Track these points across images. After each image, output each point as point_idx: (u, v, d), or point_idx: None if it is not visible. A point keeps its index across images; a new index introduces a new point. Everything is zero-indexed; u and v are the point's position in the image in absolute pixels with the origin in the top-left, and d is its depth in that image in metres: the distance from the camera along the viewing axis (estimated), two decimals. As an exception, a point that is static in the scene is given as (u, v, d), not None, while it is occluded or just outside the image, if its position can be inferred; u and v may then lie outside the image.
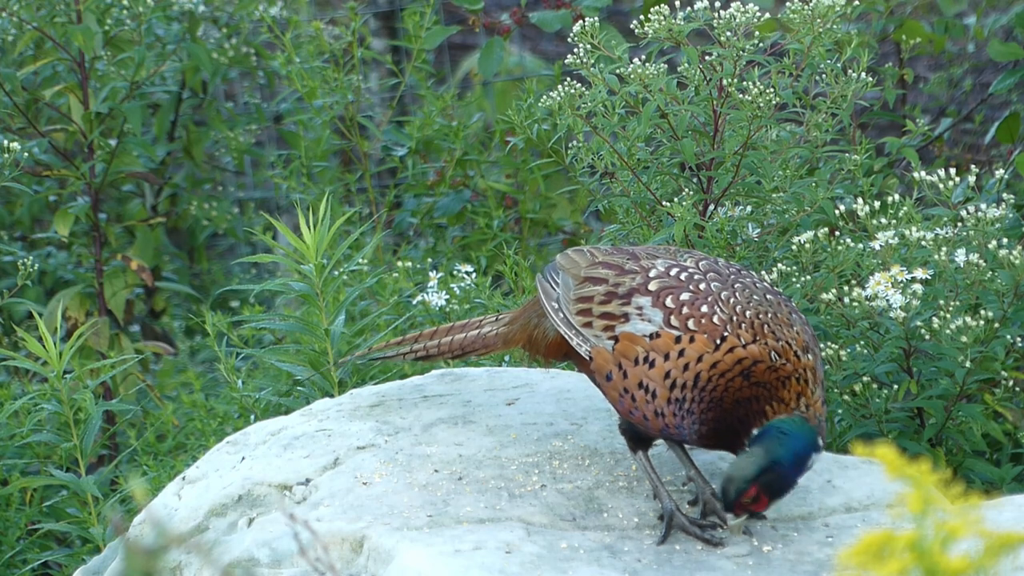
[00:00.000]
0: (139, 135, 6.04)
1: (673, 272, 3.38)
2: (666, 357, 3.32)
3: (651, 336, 3.34)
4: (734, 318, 3.30)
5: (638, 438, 3.46)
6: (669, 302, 3.34)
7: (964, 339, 3.91)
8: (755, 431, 3.27)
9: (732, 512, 3.25)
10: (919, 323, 3.97)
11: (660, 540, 3.33)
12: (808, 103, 4.27)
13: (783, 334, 3.29)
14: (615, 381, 3.36)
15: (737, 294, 3.32)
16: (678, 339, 3.32)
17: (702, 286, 3.34)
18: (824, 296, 4.01)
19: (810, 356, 3.28)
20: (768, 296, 3.33)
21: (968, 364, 3.94)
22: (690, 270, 3.38)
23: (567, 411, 3.81)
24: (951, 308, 3.95)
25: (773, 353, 3.27)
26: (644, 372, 3.34)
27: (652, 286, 3.37)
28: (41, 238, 6.90)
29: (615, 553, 3.28)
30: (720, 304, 3.31)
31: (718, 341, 3.29)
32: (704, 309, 3.32)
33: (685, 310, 3.33)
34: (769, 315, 3.30)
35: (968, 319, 3.91)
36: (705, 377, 3.29)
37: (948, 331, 3.92)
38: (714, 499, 3.39)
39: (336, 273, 4.39)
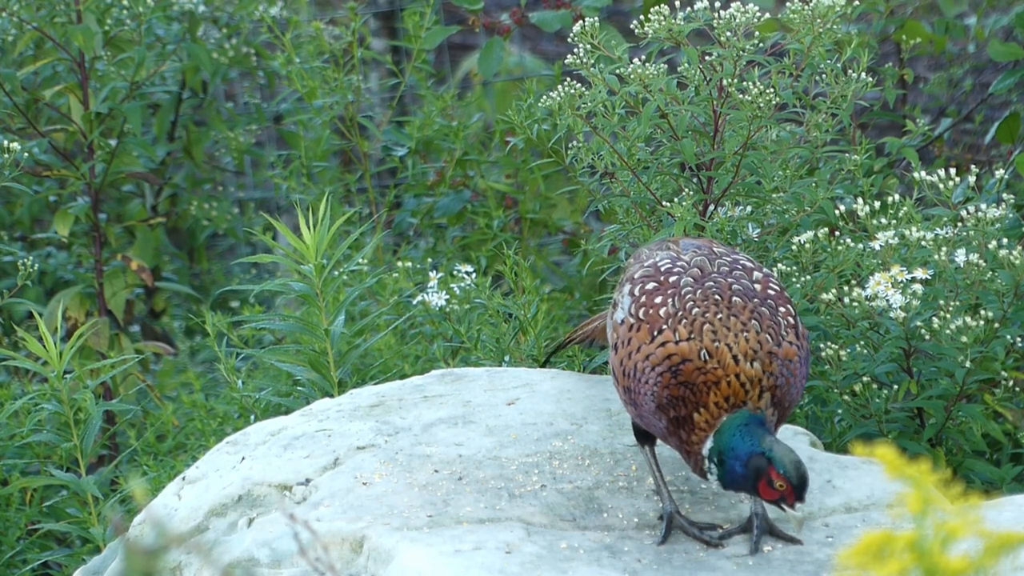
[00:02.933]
0: (139, 135, 6.04)
1: (663, 264, 3.38)
2: (621, 344, 3.32)
3: (620, 323, 3.34)
4: (679, 313, 3.26)
5: (638, 431, 3.47)
6: (638, 291, 3.35)
7: (964, 339, 3.91)
8: (704, 444, 3.23)
9: (803, 500, 3.20)
10: (919, 323, 3.97)
11: (660, 540, 3.33)
12: (808, 103, 4.27)
13: (724, 337, 3.24)
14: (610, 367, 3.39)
15: (699, 291, 3.29)
16: (630, 328, 3.32)
17: (671, 279, 3.33)
18: (824, 296, 4.01)
19: (755, 365, 3.23)
20: (736, 299, 3.28)
21: (968, 364, 3.94)
22: (678, 263, 3.37)
23: (567, 411, 3.81)
24: (951, 308, 3.95)
25: (704, 352, 3.23)
26: (612, 359, 3.36)
27: (636, 274, 3.38)
28: (41, 238, 6.90)
29: (615, 553, 3.28)
30: (675, 298, 3.29)
31: (655, 333, 3.27)
32: (657, 300, 3.30)
33: (643, 299, 3.32)
34: (719, 316, 3.26)
35: (968, 319, 3.91)
36: (640, 368, 3.27)
37: (948, 331, 3.92)
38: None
39: (336, 273, 4.39)
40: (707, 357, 3.22)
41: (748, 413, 3.21)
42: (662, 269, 3.37)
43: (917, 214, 4.20)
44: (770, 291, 3.34)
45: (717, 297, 3.28)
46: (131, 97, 5.97)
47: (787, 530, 3.37)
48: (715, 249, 3.44)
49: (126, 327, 6.12)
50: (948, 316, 3.93)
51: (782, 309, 3.32)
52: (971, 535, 2.19)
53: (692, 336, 3.24)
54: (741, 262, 3.39)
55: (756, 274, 3.37)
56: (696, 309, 3.27)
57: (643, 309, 3.31)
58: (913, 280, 3.95)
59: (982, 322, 3.92)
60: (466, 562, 3.19)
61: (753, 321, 3.26)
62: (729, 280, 3.32)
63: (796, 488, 3.16)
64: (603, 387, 3.91)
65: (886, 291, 3.93)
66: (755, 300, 3.29)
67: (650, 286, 3.34)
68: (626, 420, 3.78)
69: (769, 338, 3.25)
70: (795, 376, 3.28)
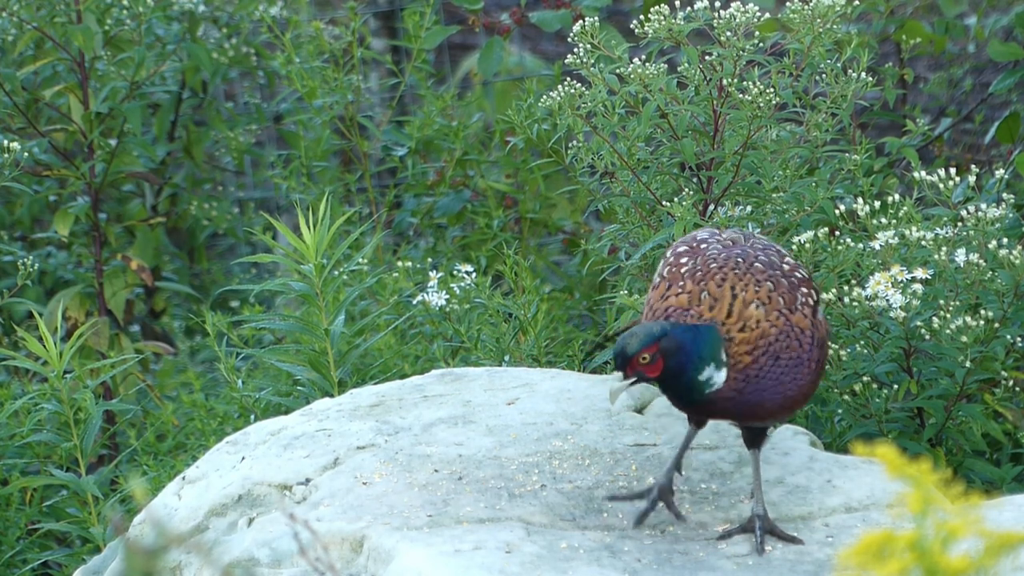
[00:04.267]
0: (139, 135, 6.03)
1: (700, 235, 3.48)
2: (646, 305, 3.44)
3: (654, 287, 3.45)
4: (697, 272, 3.34)
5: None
6: (671, 255, 3.46)
7: (964, 339, 3.91)
8: None
9: (624, 371, 3.25)
10: (919, 323, 3.97)
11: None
12: (808, 103, 4.27)
13: (734, 283, 3.30)
14: None
15: (723, 255, 3.36)
16: (655, 287, 3.42)
17: (702, 246, 3.42)
18: (824, 296, 4.01)
19: (758, 309, 3.28)
20: (757, 264, 3.33)
21: (968, 364, 3.94)
22: (716, 236, 3.45)
23: (567, 411, 3.81)
24: (951, 308, 3.94)
25: (705, 293, 3.31)
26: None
27: (676, 245, 3.49)
28: (41, 238, 6.89)
29: (615, 553, 3.28)
30: (698, 258, 3.37)
31: (667, 288, 3.36)
32: (683, 261, 3.39)
33: (672, 260, 3.43)
34: (735, 271, 3.32)
35: (968, 319, 3.91)
36: (650, 318, 3.35)
37: (948, 331, 3.92)
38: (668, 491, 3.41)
39: (336, 273, 4.39)
40: (707, 297, 3.30)
41: (706, 327, 3.28)
42: (698, 239, 3.47)
43: (917, 214, 4.20)
44: (797, 274, 3.38)
45: (740, 260, 3.35)
46: (131, 97, 5.96)
47: (787, 530, 3.37)
48: (757, 235, 3.52)
49: (126, 327, 6.12)
50: (948, 316, 3.93)
51: (804, 290, 3.36)
52: (971, 535, 2.19)
53: (697, 284, 3.33)
54: (777, 248, 3.45)
55: (788, 259, 3.42)
56: (714, 265, 3.34)
57: (668, 268, 3.41)
58: (913, 280, 3.95)
59: (982, 322, 3.92)
60: (466, 562, 3.19)
61: (768, 283, 3.32)
62: (757, 252, 3.39)
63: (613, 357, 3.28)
64: (603, 387, 3.91)
65: (886, 291, 3.93)
66: (777, 272, 3.35)
67: (681, 249, 3.44)
68: (626, 420, 3.78)
69: (782, 300, 3.31)
70: (803, 349, 3.29)
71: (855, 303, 3.96)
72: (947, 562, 2.17)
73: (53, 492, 4.88)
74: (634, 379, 3.26)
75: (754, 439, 3.42)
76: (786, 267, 3.38)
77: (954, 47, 7.15)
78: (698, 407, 3.34)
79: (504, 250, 4.94)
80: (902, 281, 3.94)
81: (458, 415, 3.79)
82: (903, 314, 3.91)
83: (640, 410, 3.86)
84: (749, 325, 3.28)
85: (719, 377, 3.27)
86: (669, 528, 3.39)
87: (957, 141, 7.07)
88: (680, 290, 3.33)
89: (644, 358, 3.24)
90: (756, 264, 3.35)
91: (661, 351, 3.24)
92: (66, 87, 5.95)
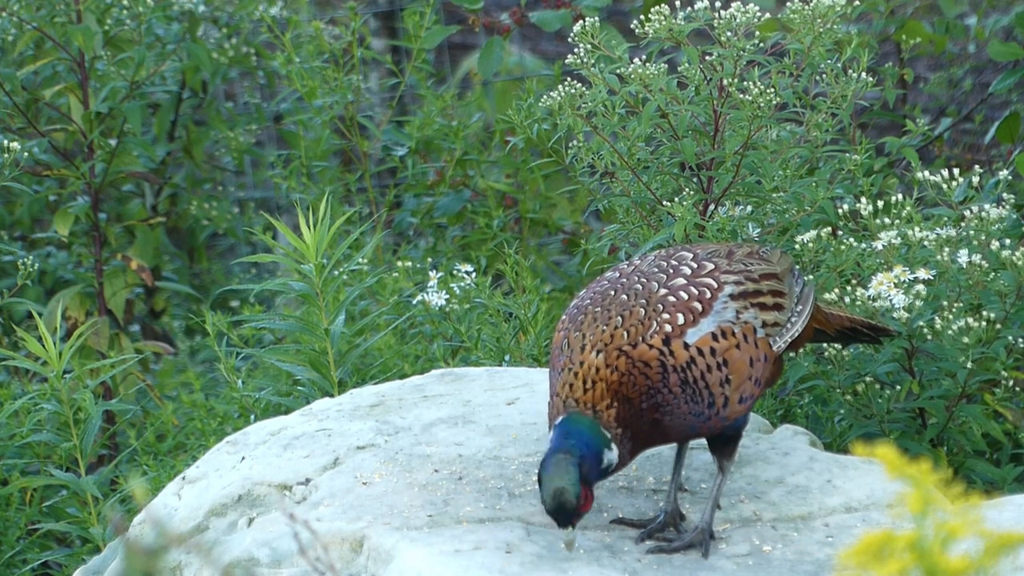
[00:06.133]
0: (139, 135, 6.03)
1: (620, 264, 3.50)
2: None
3: None
4: (574, 309, 3.37)
5: None
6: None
7: (966, 340, 3.91)
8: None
9: (572, 525, 3.19)
10: (921, 323, 3.97)
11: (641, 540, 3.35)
12: (808, 103, 4.27)
13: (584, 329, 3.30)
14: None
15: (602, 287, 3.37)
16: None
17: (606, 274, 3.44)
18: (827, 296, 4.01)
19: (598, 355, 3.26)
20: (624, 296, 3.32)
21: (970, 365, 3.93)
22: (619, 270, 3.45)
23: (567, 411, 3.80)
24: (954, 309, 3.94)
25: (565, 341, 3.31)
26: None
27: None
28: (41, 238, 6.89)
29: (615, 553, 3.28)
30: (584, 293, 3.40)
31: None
32: (582, 293, 3.43)
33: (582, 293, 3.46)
34: (597, 310, 3.31)
35: (970, 320, 3.91)
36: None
37: (951, 332, 3.92)
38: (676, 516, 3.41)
39: (336, 273, 4.39)
40: (565, 346, 3.31)
41: (570, 418, 3.25)
42: (620, 265, 3.49)
43: (918, 214, 4.20)
44: (682, 294, 3.34)
45: (612, 293, 3.35)
46: (131, 97, 5.96)
47: (788, 530, 3.37)
48: (730, 249, 3.49)
49: (126, 327, 6.12)
50: (951, 317, 3.93)
51: (681, 316, 3.31)
52: (971, 535, 2.19)
53: (560, 329, 3.35)
54: (702, 261, 3.41)
55: (704, 280, 3.37)
56: (587, 302, 3.35)
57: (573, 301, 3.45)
58: (916, 280, 3.95)
59: (984, 323, 3.92)
60: (466, 562, 3.19)
61: (618, 317, 3.31)
62: (640, 278, 3.37)
63: (549, 514, 3.18)
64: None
65: (888, 291, 3.93)
66: (642, 300, 3.32)
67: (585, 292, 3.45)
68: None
69: (626, 335, 3.29)
70: (651, 381, 3.27)
71: (858, 303, 3.96)
72: (947, 562, 2.17)
73: (53, 492, 4.88)
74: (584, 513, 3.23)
75: (725, 443, 3.41)
76: (666, 291, 3.35)
77: (954, 47, 7.15)
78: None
79: (504, 250, 4.94)
80: (905, 281, 3.94)
81: (458, 415, 3.79)
82: (906, 315, 3.91)
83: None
84: (593, 379, 3.26)
85: (614, 454, 3.26)
86: (669, 528, 3.39)
87: (957, 141, 7.07)
88: (560, 326, 3.37)
89: (583, 503, 3.21)
90: (623, 296, 3.34)
91: (589, 488, 3.21)
92: (66, 87, 5.95)
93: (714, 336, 3.33)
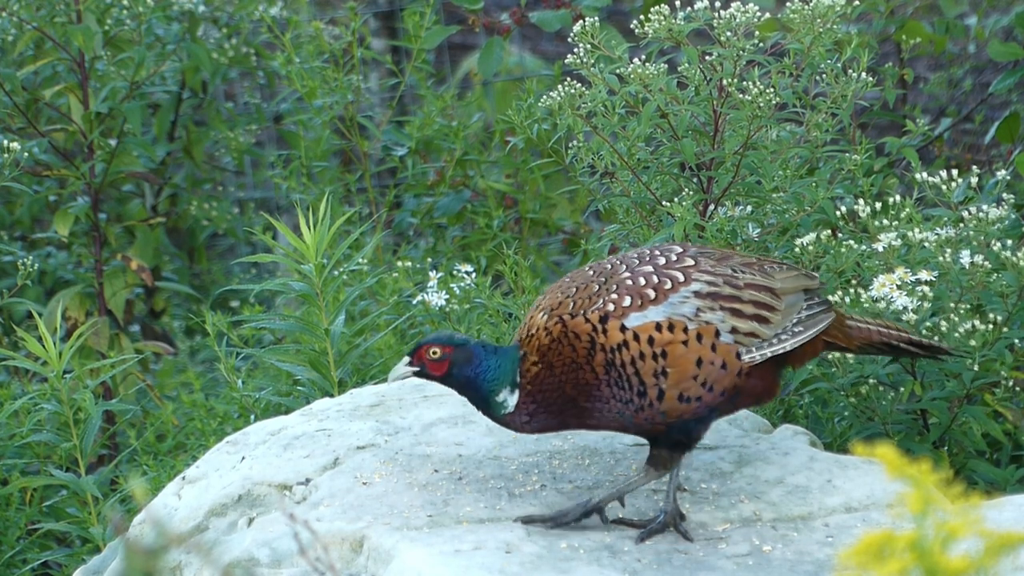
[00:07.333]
0: (139, 135, 6.04)
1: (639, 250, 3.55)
2: None
3: None
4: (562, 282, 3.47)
5: None
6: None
7: (972, 343, 3.90)
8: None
9: (412, 357, 3.38)
10: (927, 325, 3.96)
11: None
12: (808, 103, 4.27)
13: (548, 293, 3.41)
14: None
15: (584, 269, 3.45)
16: None
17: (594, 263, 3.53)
18: (829, 298, 4.00)
19: (542, 317, 3.36)
20: (591, 272, 3.40)
21: (975, 367, 3.93)
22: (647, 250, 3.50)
23: (567, 411, 3.80)
24: (960, 311, 3.94)
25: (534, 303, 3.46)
26: None
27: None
28: (41, 238, 6.90)
29: (615, 553, 3.28)
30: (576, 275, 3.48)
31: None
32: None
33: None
34: (564, 282, 3.41)
35: (977, 323, 3.91)
36: None
37: (957, 334, 3.91)
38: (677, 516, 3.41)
39: (336, 273, 4.39)
40: (532, 306, 3.45)
41: (509, 347, 3.39)
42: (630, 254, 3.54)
43: (918, 215, 4.19)
44: (641, 279, 3.36)
45: (590, 272, 3.42)
46: (131, 97, 5.96)
47: (788, 530, 3.37)
48: (731, 255, 3.47)
49: (126, 327, 6.12)
50: (957, 319, 3.92)
51: (629, 299, 3.33)
52: (971, 535, 2.19)
53: (542, 292, 3.48)
54: (687, 256, 3.41)
55: (671, 272, 3.38)
56: (568, 277, 3.44)
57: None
58: (919, 282, 3.94)
59: (991, 325, 3.92)
60: (466, 562, 3.19)
61: (573, 288, 3.38)
62: (619, 261, 3.41)
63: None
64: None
65: (891, 292, 3.93)
66: (602, 278, 3.37)
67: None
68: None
69: (572, 304, 3.35)
70: (577, 354, 3.31)
71: (862, 304, 3.96)
72: (947, 562, 2.17)
73: (53, 492, 4.88)
74: (418, 369, 3.38)
75: (667, 447, 3.40)
76: (629, 274, 3.38)
77: (954, 47, 7.15)
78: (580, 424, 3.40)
79: (504, 250, 4.94)
80: (907, 283, 3.93)
81: (458, 415, 3.79)
82: (915, 316, 3.90)
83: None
84: (532, 335, 3.36)
85: (512, 400, 3.35)
86: (669, 528, 3.39)
87: (957, 141, 7.07)
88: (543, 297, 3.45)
89: (434, 352, 3.37)
90: (590, 272, 3.40)
91: (452, 356, 3.36)
92: (66, 87, 5.95)
93: (659, 326, 3.32)
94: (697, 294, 3.36)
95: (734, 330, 3.36)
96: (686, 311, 3.34)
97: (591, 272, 3.41)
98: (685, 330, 3.33)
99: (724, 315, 3.36)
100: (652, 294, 3.34)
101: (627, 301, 3.33)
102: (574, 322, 3.33)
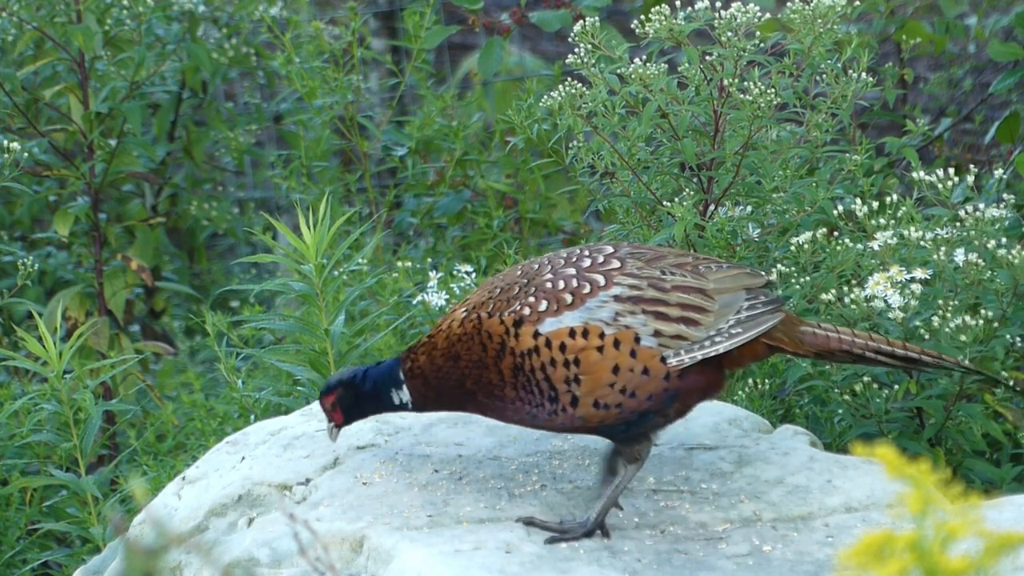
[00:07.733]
0: (139, 135, 6.04)
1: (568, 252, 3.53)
2: None
3: None
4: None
5: None
6: None
7: (963, 338, 3.91)
8: None
9: (327, 414, 3.51)
10: (918, 323, 3.97)
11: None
12: (808, 103, 4.27)
13: (478, 290, 3.41)
14: None
15: (515, 268, 3.44)
16: None
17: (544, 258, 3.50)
18: (824, 296, 4.01)
19: (462, 310, 3.37)
20: (518, 272, 3.37)
21: (967, 363, 3.93)
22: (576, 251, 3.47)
23: (567, 411, 3.80)
24: (950, 308, 3.94)
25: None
26: None
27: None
28: (41, 238, 6.90)
29: (615, 553, 3.28)
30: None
31: None
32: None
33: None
34: (494, 280, 3.41)
35: (967, 318, 3.91)
36: None
37: (947, 330, 3.92)
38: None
39: (336, 273, 4.39)
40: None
41: (392, 363, 3.45)
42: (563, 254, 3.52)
43: (917, 214, 4.20)
44: (560, 283, 3.32)
45: (518, 271, 3.40)
46: (131, 97, 5.97)
47: (788, 530, 3.37)
48: (637, 251, 3.41)
49: (126, 327, 6.12)
50: (948, 315, 3.93)
51: (545, 303, 3.30)
52: (971, 535, 2.19)
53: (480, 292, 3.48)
54: (614, 257, 3.36)
55: (593, 275, 3.34)
56: (502, 275, 3.43)
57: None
58: (912, 280, 3.95)
59: (981, 321, 3.92)
60: (466, 562, 3.19)
61: (497, 289, 3.37)
62: (546, 262, 3.39)
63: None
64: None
65: (884, 291, 3.93)
66: (524, 280, 3.35)
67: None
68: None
69: (492, 304, 3.35)
70: (487, 354, 3.31)
71: (854, 304, 3.96)
72: (947, 562, 2.17)
73: (53, 492, 4.88)
74: (335, 423, 3.51)
75: (622, 443, 3.38)
76: (553, 275, 3.35)
77: (954, 47, 7.16)
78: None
79: (504, 250, 4.94)
80: (900, 281, 3.94)
81: (458, 415, 3.79)
82: (902, 314, 3.91)
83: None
84: (443, 329, 3.38)
85: (404, 395, 3.41)
86: (669, 528, 3.39)
87: (957, 141, 7.07)
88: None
89: (331, 404, 3.48)
90: (517, 273, 3.38)
91: (338, 400, 3.46)
92: (66, 87, 5.95)
93: (572, 332, 3.28)
94: (617, 298, 3.28)
95: (657, 333, 3.27)
96: (603, 316, 3.27)
97: (519, 272, 3.38)
98: (601, 336, 3.26)
99: (646, 319, 3.27)
100: (569, 299, 3.28)
101: (543, 306, 3.29)
102: (490, 322, 3.32)
